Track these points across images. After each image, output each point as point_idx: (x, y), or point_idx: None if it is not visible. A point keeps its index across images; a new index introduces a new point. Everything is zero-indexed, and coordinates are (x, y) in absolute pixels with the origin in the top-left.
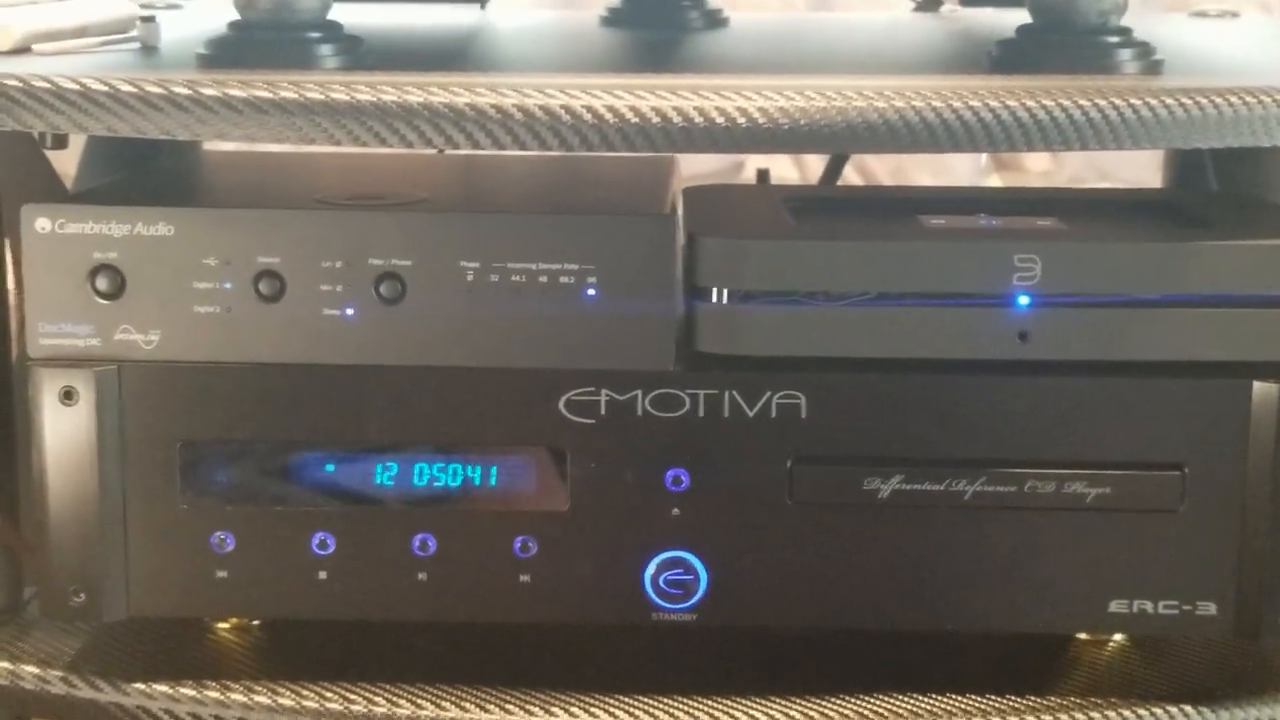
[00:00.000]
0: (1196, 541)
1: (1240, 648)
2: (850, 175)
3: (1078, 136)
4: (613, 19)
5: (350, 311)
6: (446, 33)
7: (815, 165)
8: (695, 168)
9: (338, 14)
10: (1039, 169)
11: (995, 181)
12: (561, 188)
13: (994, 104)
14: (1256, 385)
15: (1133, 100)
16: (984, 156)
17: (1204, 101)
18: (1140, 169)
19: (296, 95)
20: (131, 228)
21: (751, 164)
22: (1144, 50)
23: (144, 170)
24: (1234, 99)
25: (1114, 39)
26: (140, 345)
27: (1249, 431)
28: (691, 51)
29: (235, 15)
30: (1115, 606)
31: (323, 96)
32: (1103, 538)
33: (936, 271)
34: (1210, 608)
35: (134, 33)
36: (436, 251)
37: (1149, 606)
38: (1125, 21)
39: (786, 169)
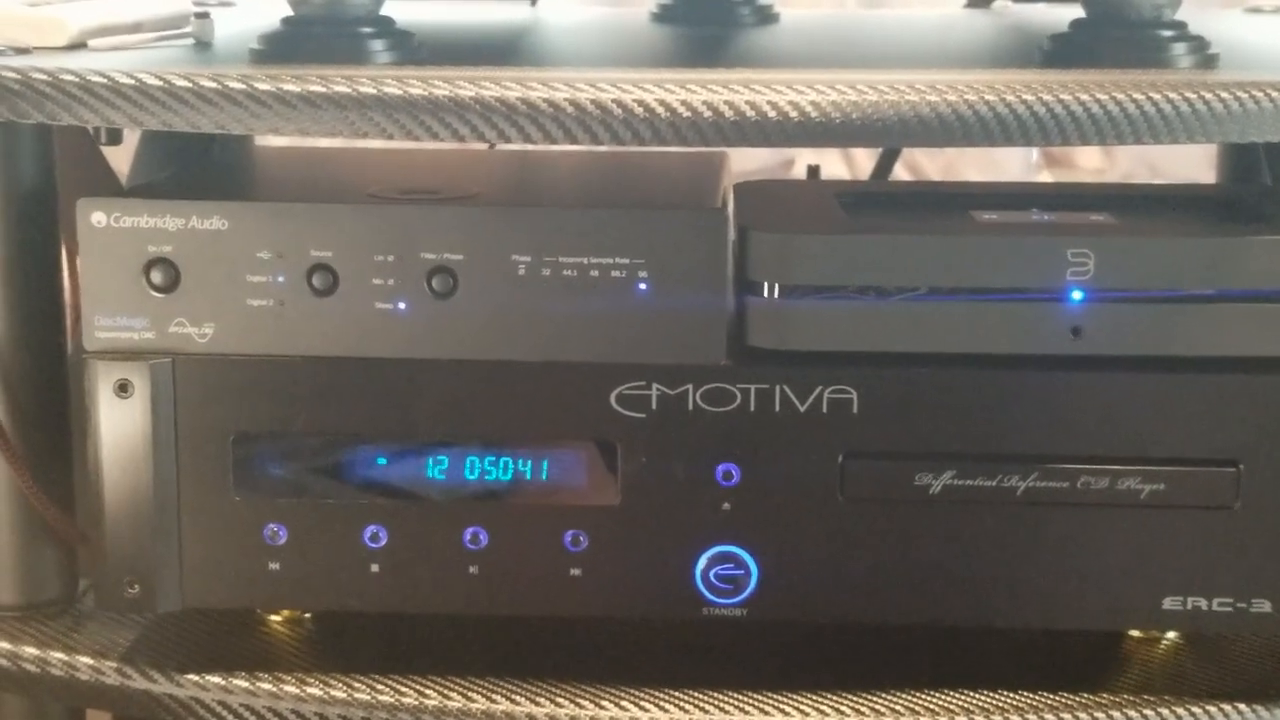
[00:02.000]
0: (1252, 539)
1: None
2: (900, 173)
3: (1131, 131)
4: (663, 15)
5: (402, 305)
6: (497, 29)
7: (865, 163)
8: (745, 164)
9: (390, 10)
10: (1091, 166)
11: (1046, 179)
12: (612, 183)
13: (1047, 98)
14: None
15: (1188, 94)
16: (1035, 154)
17: (1260, 95)
18: (1193, 166)
19: (350, 90)
20: (186, 221)
21: (802, 162)
22: (1199, 44)
23: (197, 166)
24: None
25: (1168, 33)
26: (194, 338)
27: None
28: (742, 47)
29: (288, 11)
30: (1169, 604)
31: (375, 91)
32: (1156, 534)
33: (989, 266)
34: (1265, 605)
35: (188, 28)
36: (488, 245)
37: (1203, 604)
38: (1179, 17)
39: (836, 166)
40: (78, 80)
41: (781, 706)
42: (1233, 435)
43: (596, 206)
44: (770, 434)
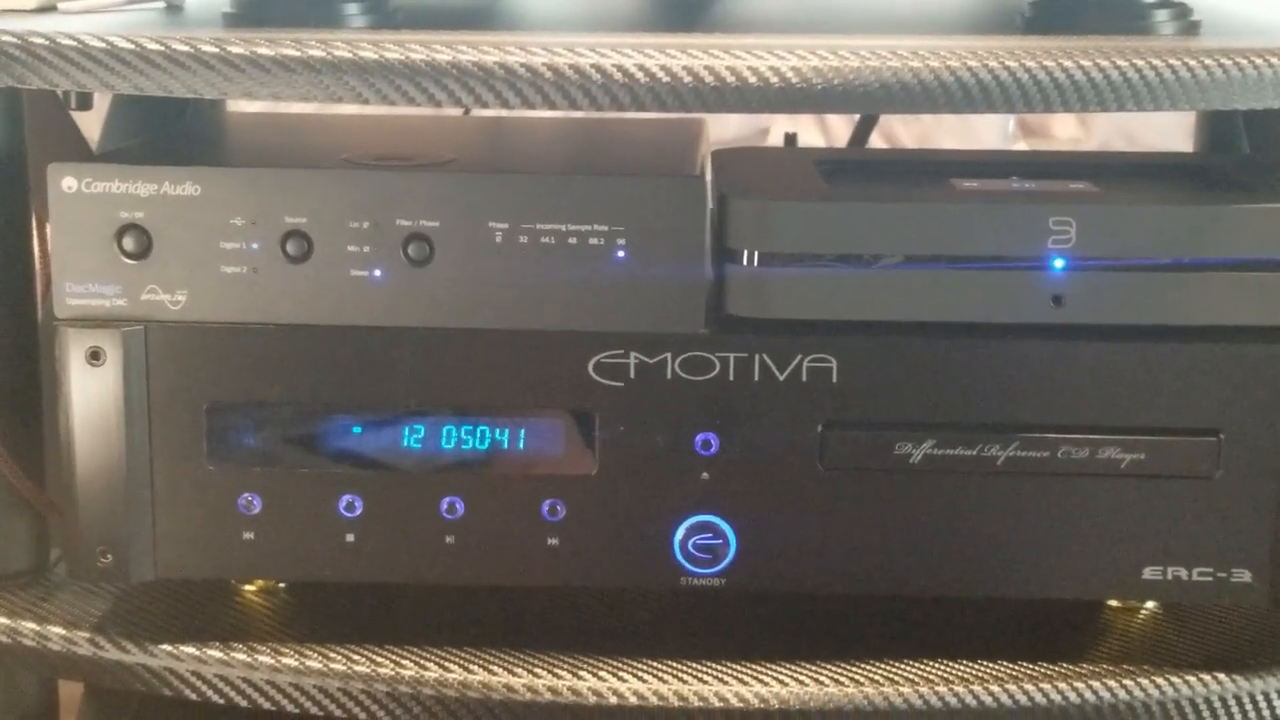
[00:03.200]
0: (1232, 508)
1: (1275, 616)
2: (876, 141)
3: (1114, 97)
4: None
5: (378, 273)
6: None
7: (841, 131)
8: (720, 133)
9: None
10: (1067, 135)
11: (1022, 147)
12: (590, 150)
13: (1029, 63)
14: None
15: (1170, 61)
16: (1011, 123)
17: (1243, 62)
18: (1169, 135)
19: (324, 54)
20: (158, 187)
21: (777, 130)
22: (1180, 11)
23: (168, 132)
24: (1274, 59)
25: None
26: (167, 305)
27: None
28: (722, 11)
29: None
30: (1149, 574)
31: (350, 55)
32: (1137, 504)
33: (970, 234)
34: (1245, 575)
35: None
36: (465, 212)
37: (1183, 574)
38: None
39: (812, 134)
40: (47, 43)
41: (760, 676)
42: (1213, 405)
43: (574, 173)
44: (749, 403)
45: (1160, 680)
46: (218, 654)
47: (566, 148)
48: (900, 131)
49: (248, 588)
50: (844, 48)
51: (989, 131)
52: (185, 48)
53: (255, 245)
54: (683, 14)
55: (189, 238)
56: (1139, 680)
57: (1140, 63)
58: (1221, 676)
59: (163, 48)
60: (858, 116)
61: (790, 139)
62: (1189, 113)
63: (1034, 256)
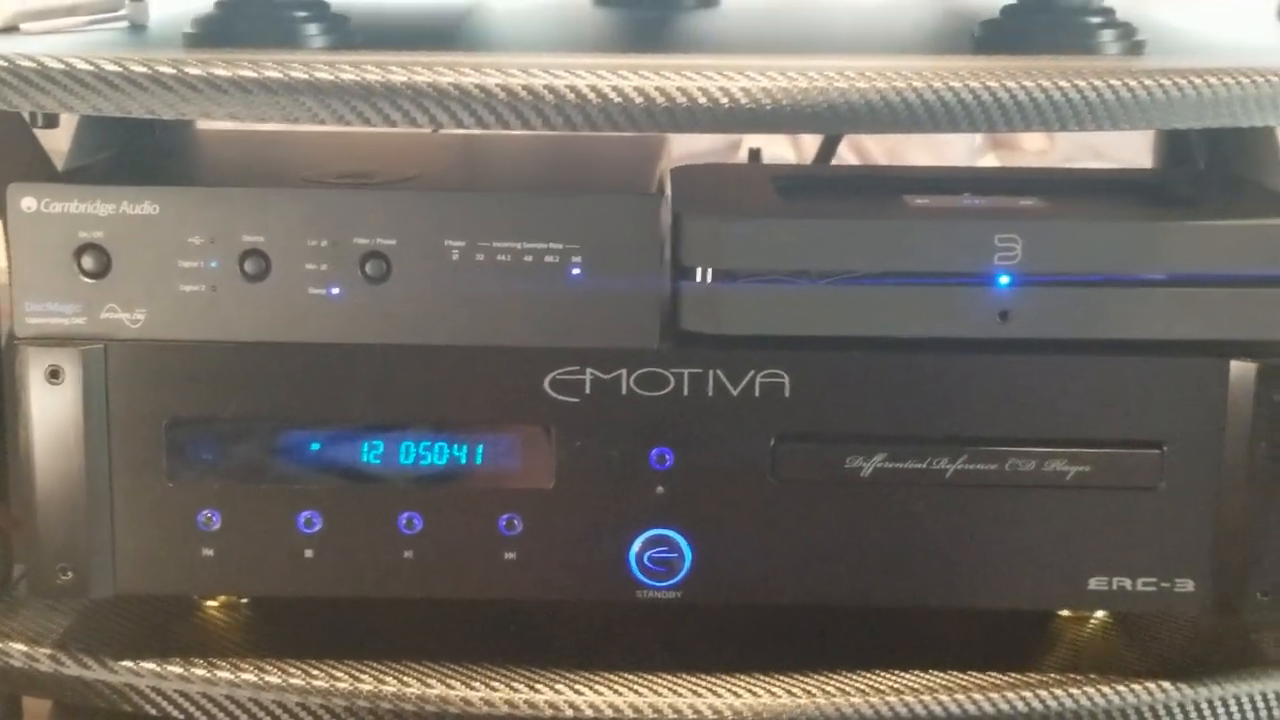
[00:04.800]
0: (1175, 519)
1: (1221, 625)
2: (846, 154)
3: (1057, 117)
4: None
5: (336, 290)
6: (438, 12)
7: (811, 143)
8: (691, 146)
9: None
10: (1034, 148)
11: (991, 160)
12: (552, 166)
13: (974, 84)
14: (1234, 364)
15: (1113, 81)
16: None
17: (1183, 82)
18: (1134, 148)
19: (281, 75)
20: (117, 207)
21: (749, 142)
22: (1126, 31)
23: (135, 148)
24: (1213, 80)
25: (1097, 19)
26: (126, 324)
27: (1226, 410)
28: (681, 31)
29: None
30: (1095, 584)
31: (307, 76)
32: (1083, 515)
33: (919, 251)
34: (1188, 585)
35: (123, 11)
36: (421, 230)
37: (1128, 583)
38: (1109, 2)
39: (783, 148)
40: (7, 64)
41: (714, 688)
42: (1157, 417)
43: (530, 191)
44: (703, 418)
45: (1107, 689)
46: (178, 670)
47: (530, 164)
48: (870, 145)
49: (209, 603)
50: (796, 68)
51: (957, 144)
52: (143, 69)
53: (213, 264)
54: (643, 33)
55: (148, 257)
56: (1086, 689)
57: (1083, 84)
58: (1167, 684)
59: (120, 69)
60: None
61: (754, 154)
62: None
63: (981, 272)
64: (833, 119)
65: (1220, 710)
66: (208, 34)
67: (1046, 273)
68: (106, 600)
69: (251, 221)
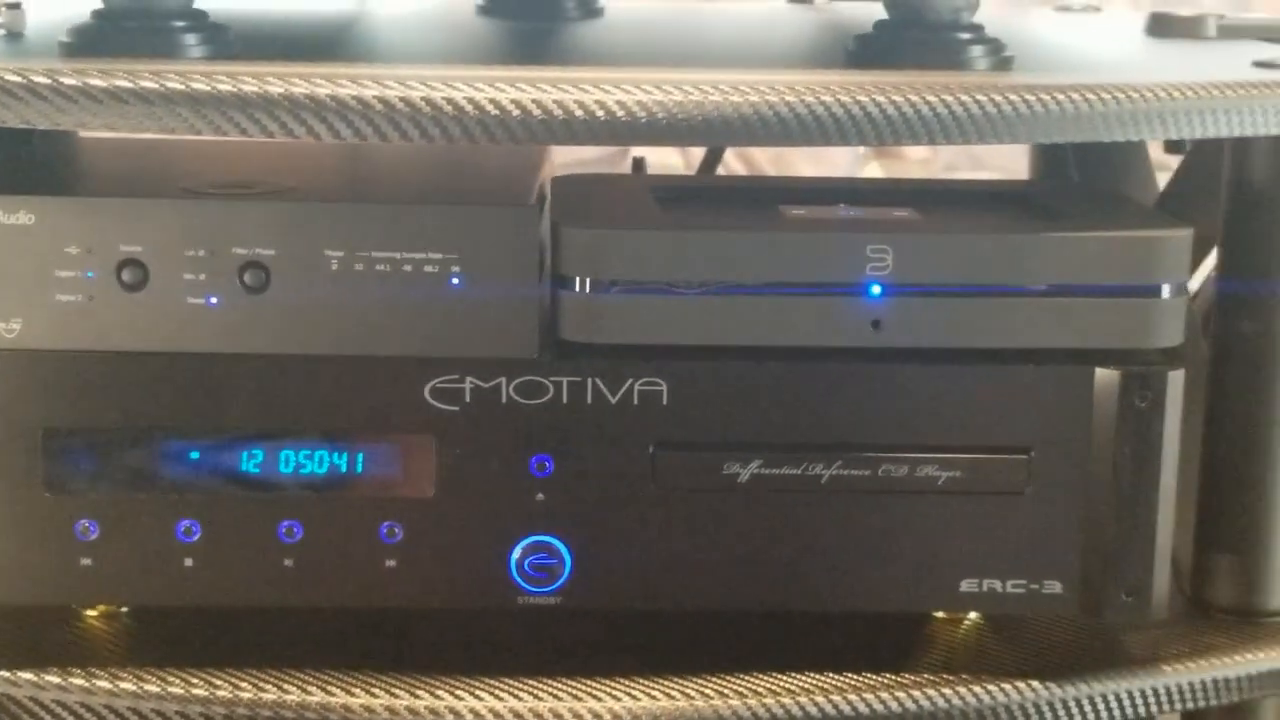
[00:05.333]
0: (1042, 522)
1: (1093, 626)
2: (733, 161)
3: (925, 131)
4: (489, 8)
5: (214, 300)
6: (320, 21)
7: (698, 150)
8: (578, 154)
9: (207, 2)
10: (917, 156)
11: (874, 168)
12: (433, 176)
13: (846, 99)
14: (1099, 372)
15: (978, 96)
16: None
17: (1046, 98)
18: (1013, 157)
19: (157, 85)
20: None
21: (635, 151)
22: (994, 47)
23: (11, 157)
24: (1075, 95)
25: (965, 35)
26: (1, 334)
27: (1092, 416)
28: (564, 42)
29: (99, 3)
30: (966, 586)
31: (183, 86)
32: (954, 519)
33: (792, 261)
34: (1056, 586)
35: None
36: (300, 241)
37: (998, 586)
38: (981, 17)
39: (670, 155)
40: None
41: (595, 692)
42: (1025, 424)
43: (409, 202)
44: (583, 426)
45: (978, 688)
46: (55, 679)
47: (412, 174)
48: (756, 153)
49: (89, 612)
50: (675, 82)
51: (841, 153)
52: (17, 79)
53: (90, 273)
54: (525, 44)
55: (23, 266)
56: (958, 689)
57: (951, 99)
58: (1036, 684)
59: None
60: None
61: (638, 163)
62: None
63: (853, 283)
64: (710, 132)
65: (1088, 708)
66: (84, 43)
67: (917, 283)
68: None
69: (129, 231)
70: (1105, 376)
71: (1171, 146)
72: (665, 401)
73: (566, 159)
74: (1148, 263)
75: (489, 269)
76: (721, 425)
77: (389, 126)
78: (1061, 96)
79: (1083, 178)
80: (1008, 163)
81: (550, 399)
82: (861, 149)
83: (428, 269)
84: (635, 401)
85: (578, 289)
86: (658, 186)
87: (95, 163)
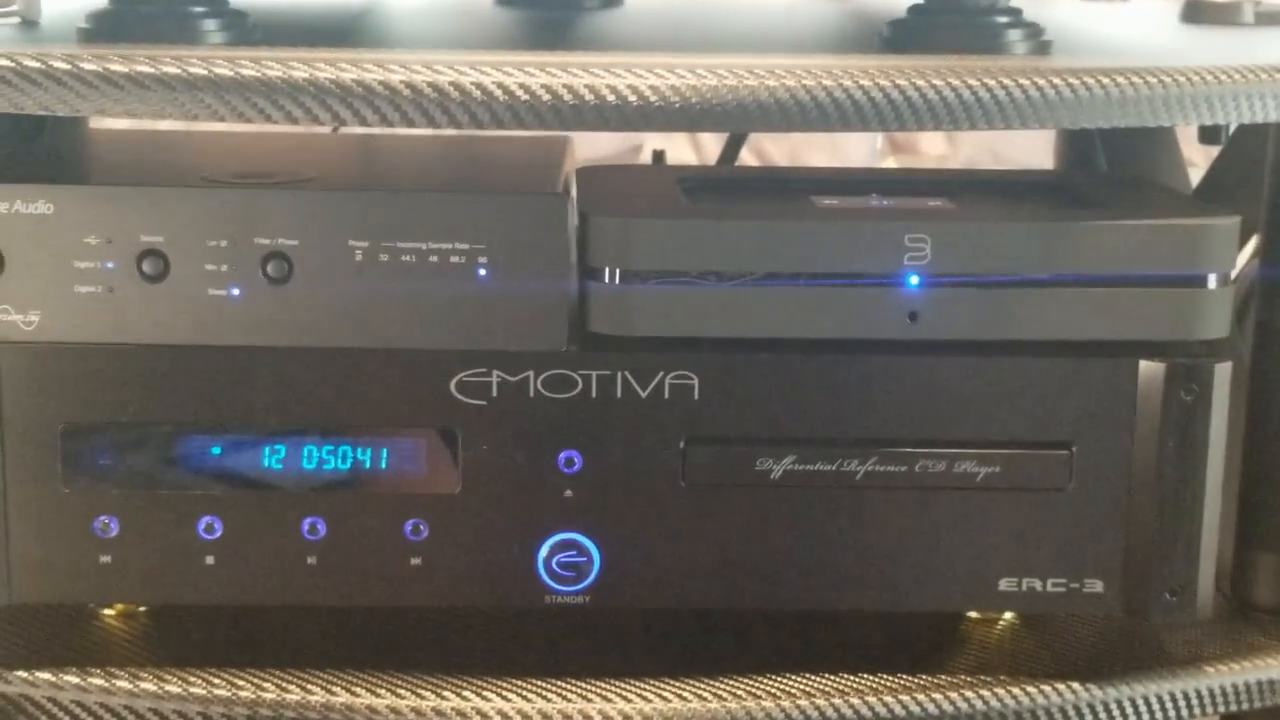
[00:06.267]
0: (1084, 520)
1: (1129, 626)
2: (746, 159)
3: (966, 116)
4: None
5: (236, 291)
6: (338, 9)
7: (712, 148)
8: (592, 150)
9: None
10: (934, 152)
11: (890, 165)
12: (455, 167)
13: (884, 83)
14: (1143, 364)
15: (1021, 80)
16: (879, 140)
17: (1090, 82)
18: (1033, 152)
19: (179, 70)
20: (9, 205)
21: (649, 147)
22: (1033, 31)
23: (26, 149)
24: (1120, 79)
25: (1003, 19)
26: (19, 326)
27: (1135, 410)
28: (585, 29)
29: None
30: (1004, 585)
31: (206, 72)
32: (992, 516)
33: (827, 251)
34: (1097, 585)
35: (14, 6)
36: (324, 231)
37: (1037, 584)
38: (1015, 3)
39: (684, 151)
40: None
41: (624, 693)
42: (1066, 418)
43: (435, 191)
44: (612, 420)
45: (1016, 690)
46: (75, 679)
47: (432, 165)
48: (771, 149)
49: (107, 611)
50: (703, 66)
51: (858, 149)
52: (36, 64)
53: (110, 264)
54: (546, 32)
55: (42, 257)
56: (995, 690)
57: (992, 82)
58: (1076, 685)
59: (13, 64)
60: (727, 134)
61: (658, 155)
62: (1049, 131)
63: (890, 273)
64: (741, 117)
65: (1129, 710)
66: (102, 29)
67: (956, 274)
68: (1, 609)
69: (150, 221)
70: (1149, 369)
71: (1207, 136)
72: (696, 396)
73: (582, 156)
74: (1194, 252)
75: (517, 259)
76: (754, 420)
77: (416, 111)
78: (1106, 80)
79: (1112, 167)
80: (1029, 157)
81: (579, 393)
82: (879, 145)
83: (454, 259)
84: (666, 395)
85: (607, 280)
86: (684, 178)
87: (108, 155)
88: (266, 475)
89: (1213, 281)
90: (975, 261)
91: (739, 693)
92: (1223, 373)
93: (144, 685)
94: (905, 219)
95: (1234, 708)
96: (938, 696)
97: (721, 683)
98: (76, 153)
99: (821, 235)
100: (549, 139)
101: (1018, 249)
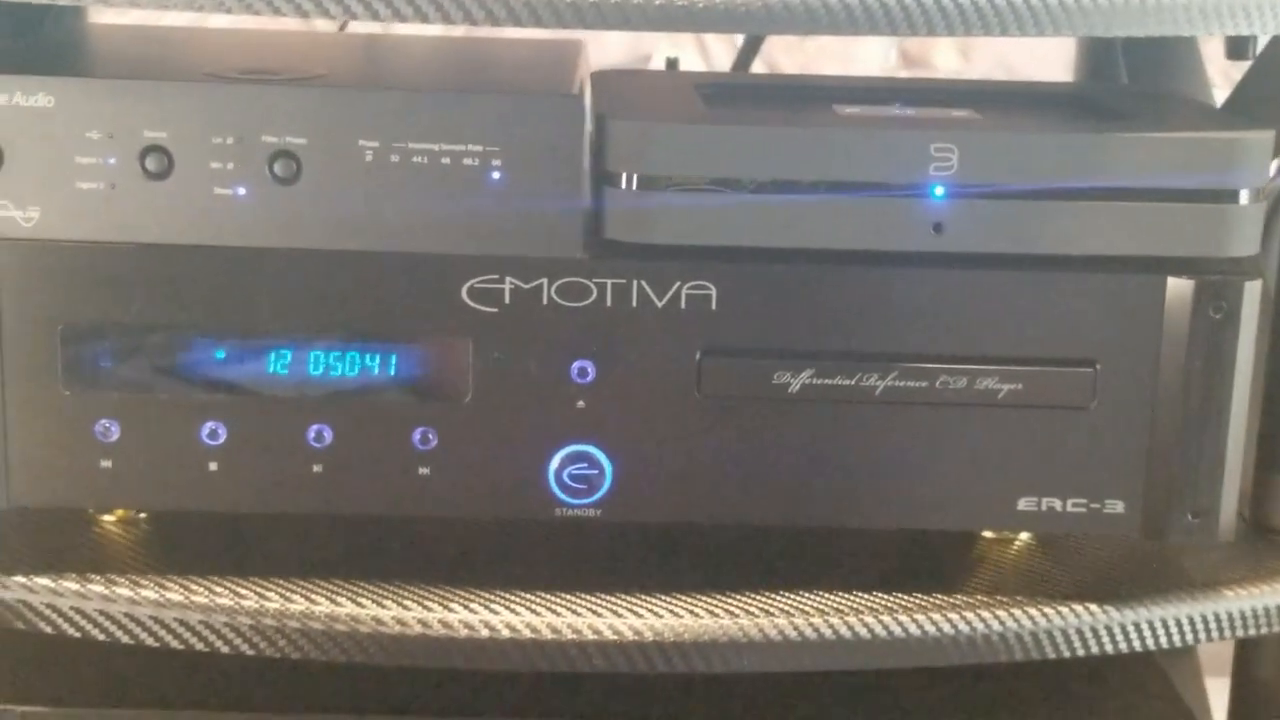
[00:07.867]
0: (1106, 439)
1: (1146, 549)
2: (758, 70)
3: (997, 21)
4: None
5: (242, 191)
6: None
7: (723, 60)
8: (600, 58)
9: None
10: (948, 67)
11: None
12: (466, 69)
13: None
14: (1170, 281)
15: None
16: (893, 53)
17: None
18: (1050, 66)
19: None
20: (9, 98)
21: (659, 56)
22: None
23: (24, 42)
24: None
25: None
26: (18, 222)
27: (1161, 328)
28: None
29: None
30: (1024, 504)
31: None
32: (1013, 434)
33: (851, 160)
34: (1118, 506)
35: None
36: (334, 129)
37: (1057, 504)
38: None
39: (694, 61)
40: None
41: (634, 608)
42: (1091, 335)
43: (448, 90)
44: (627, 330)
45: (1033, 611)
46: (74, 585)
47: (442, 66)
48: (782, 60)
49: (106, 518)
50: None
51: (871, 61)
52: None
53: (112, 160)
54: None
55: (42, 151)
56: (1011, 611)
57: None
58: (1093, 607)
59: None
60: (740, 44)
61: (672, 63)
62: (1068, 45)
63: (915, 183)
64: (765, 17)
65: (1147, 632)
66: None
67: (982, 185)
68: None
69: (154, 116)
70: (1177, 286)
71: (1235, 50)
72: (714, 306)
73: (592, 64)
74: (1226, 165)
75: (532, 162)
76: (772, 332)
77: (430, 7)
78: None
79: (1133, 81)
80: (1047, 72)
81: (593, 301)
82: (893, 60)
83: (467, 161)
84: (682, 305)
85: (624, 186)
86: (702, 84)
87: (109, 49)
88: (272, 381)
89: (1245, 197)
90: (1003, 173)
91: (751, 609)
92: (1252, 291)
93: (145, 593)
94: (931, 128)
95: (1251, 632)
96: (954, 616)
97: (733, 599)
98: (77, 47)
99: (845, 143)
100: (562, 42)
101: (1047, 161)
